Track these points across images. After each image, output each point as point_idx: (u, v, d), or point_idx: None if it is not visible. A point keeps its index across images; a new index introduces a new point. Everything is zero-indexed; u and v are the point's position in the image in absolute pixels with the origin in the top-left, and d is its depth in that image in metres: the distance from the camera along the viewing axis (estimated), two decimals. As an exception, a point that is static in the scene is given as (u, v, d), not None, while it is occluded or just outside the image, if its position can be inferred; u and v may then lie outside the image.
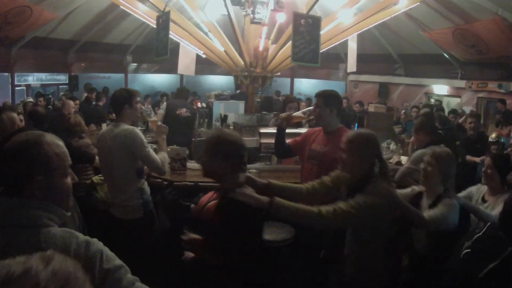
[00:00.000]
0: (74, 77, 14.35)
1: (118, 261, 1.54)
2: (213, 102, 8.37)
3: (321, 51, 5.68)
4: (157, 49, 6.07)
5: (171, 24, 6.01)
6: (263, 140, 5.12)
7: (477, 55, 11.30)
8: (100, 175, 4.33)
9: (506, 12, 8.95)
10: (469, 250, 2.54)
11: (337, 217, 2.40)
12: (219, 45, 6.91)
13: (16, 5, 9.33)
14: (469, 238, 2.65)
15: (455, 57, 12.42)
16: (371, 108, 11.18)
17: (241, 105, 6.45)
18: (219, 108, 6.19)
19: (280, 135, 4.02)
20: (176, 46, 7.49)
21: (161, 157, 3.71)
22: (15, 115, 4.61)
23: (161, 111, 7.06)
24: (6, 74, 12.78)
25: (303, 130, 4.62)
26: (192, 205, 2.84)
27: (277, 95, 13.91)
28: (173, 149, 4.70)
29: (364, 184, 2.57)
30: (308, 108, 4.16)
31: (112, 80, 15.82)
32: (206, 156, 2.51)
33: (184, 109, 6.94)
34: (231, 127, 5.14)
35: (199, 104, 9.17)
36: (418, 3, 6.72)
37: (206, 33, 7.04)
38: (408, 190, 3.36)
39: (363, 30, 7.10)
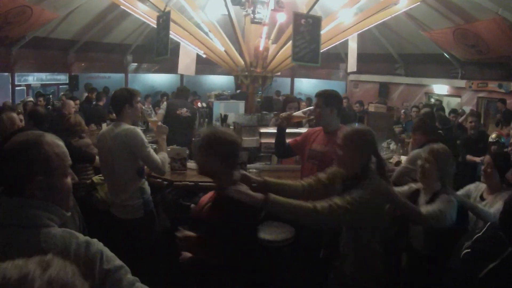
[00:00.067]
0: (74, 77, 14.37)
1: (118, 262, 1.54)
2: (213, 102, 8.37)
3: (321, 50, 5.68)
4: (158, 49, 6.07)
5: (172, 24, 6.01)
6: (263, 140, 5.12)
7: (477, 55, 11.30)
8: (100, 175, 4.33)
9: (506, 12, 8.95)
10: (469, 250, 2.53)
11: (333, 213, 2.39)
12: (220, 45, 6.91)
13: (17, 5, 9.33)
14: (469, 238, 2.64)
15: (456, 57, 12.42)
16: (371, 108, 11.19)
17: (241, 105, 6.45)
18: (219, 108, 6.19)
19: (280, 135, 4.02)
20: (177, 46, 7.48)
21: (161, 157, 3.72)
22: (15, 115, 4.61)
23: (162, 111, 7.06)
24: (6, 74, 12.79)
25: (303, 130, 4.62)
26: (192, 205, 2.84)
27: (277, 95, 13.91)
28: (173, 149, 4.70)
29: (360, 180, 2.56)
30: (308, 108, 4.16)
31: (112, 80, 15.83)
32: (201, 154, 2.53)
33: (185, 109, 6.94)
34: (231, 127, 5.14)
35: (199, 104, 9.18)
36: (419, 3, 6.72)
37: (206, 33, 7.04)
38: (405, 188, 3.35)
39: (364, 30, 7.09)
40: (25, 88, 13.79)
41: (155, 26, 6.25)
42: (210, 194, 2.70)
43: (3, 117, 4.53)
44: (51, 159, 1.54)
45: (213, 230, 2.40)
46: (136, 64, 16.30)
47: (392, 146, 6.37)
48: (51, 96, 12.63)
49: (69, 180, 1.63)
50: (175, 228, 2.67)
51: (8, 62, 12.21)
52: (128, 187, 3.67)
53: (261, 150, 5.13)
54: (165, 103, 7.66)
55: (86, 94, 11.61)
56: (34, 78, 14.20)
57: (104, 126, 6.44)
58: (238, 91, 9.97)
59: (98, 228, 3.78)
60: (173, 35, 6.47)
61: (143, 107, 9.60)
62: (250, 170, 4.58)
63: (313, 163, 3.68)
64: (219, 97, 7.69)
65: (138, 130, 3.70)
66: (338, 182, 2.76)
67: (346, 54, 8.80)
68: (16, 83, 13.18)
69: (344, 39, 7.31)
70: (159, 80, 17.54)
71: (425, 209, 2.92)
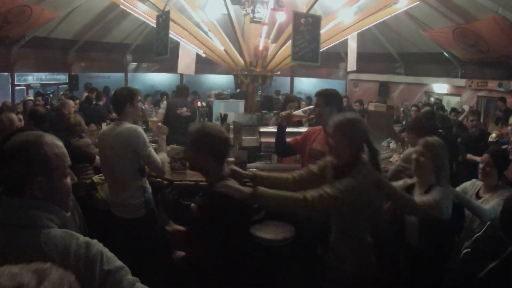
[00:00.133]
0: (74, 76, 14.37)
1: (118, 262, 1.54)
2: (213, 101, 8.36)
3: (321, 50, 5.68)
4: (157, 48, 6.07)
5: (171, 24, 6.01)
6: (263, 139, 5.12)
7: (477, 54, 11.30)
8: (100, 174, 4.33)
9: (506, 11, 8.95)
10: (469, 249, 2.53)
11: (323, 201, 2.39)
12: (219, 44, 6.91)
13: (16, 5, 9.33)
14: (469, 237, 2.64)
15: (456, 56, 12.42)
16: (371, 107, 11.19)
17: (241, 104, 6.44)
18: (219, 107, 6.18)
19: (280, 134, 4.02)
20: (176, 45, 7.48)
21: (161, 157, 3.72)
22: (13, 115, 4.60)
23: (162, 110, 7.06)
24: (6, 73, 12.79)
25: (303, 129, 4.62)
26: (192, 205, 2.84)
27: (276, 94, 13.91)
28: (173, 148, 4.70)
29: (351, 168, 2.54)
30: (308, 107, 4.16)
31: (112, 79, 15.83)
32: (190, 150, 2.56)
33: (185, 108, 6.95)
34: (231, 126, 5.14)
35: (198, 104, 9.18)
36: (418, 2, 6.71)
37: (206, 33, 7.04)
38: (400, 183, 3.33)
39: (363, 29, 7.10)
40: (24, 88, 13.78)
41: (155, 26, 6.25)
42: None
43: (2, 117, 4.52)
44: (51, 160, 1.53)
45: (203, 226, 2.42)
46: (136, 63, 16.30)
47: (392, 145, 6.37)
48: (51, 95, 12.64)
49: (68, 180, 1.63)
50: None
51: (8, 62, 12.20)
52: (130, 186, 3.67)
53: (261, 150, 5.13)
54: (165, 102, 7.67)
55: (86, 94, 11.61)
56: (34, 78, 14.19)
57: (104, 126, 6.44)
58: (238, 90, 9.96)
59: (99, 228, 3.79)
60: (172, 34, 6.47)
61: (144, 107, 9.64)
62: (250, 169, 4.57)
63: (314, 162, 3.67)
64: (219, 96, 7.68)
65: (140, 129, 3.71)
66: (329, 172, 2.74)
67: (346, 53, 8.80)
68: (16, 83, 13.18)
69: (344, 38, 7.32)
70: (158, 79, 17.54)
71: (419, 199, 2.91)
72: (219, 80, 16.70)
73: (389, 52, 14.07)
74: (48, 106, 10.30)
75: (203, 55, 7.29)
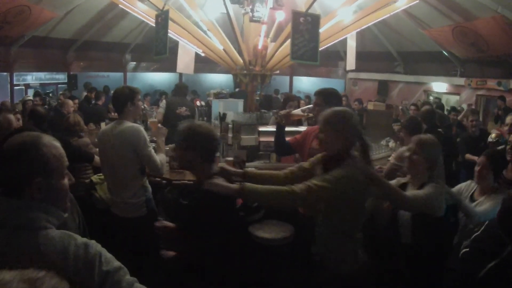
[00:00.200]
0: (73, 76, 14.36)
1: (116, 263, 1.55)
2: (212, 101, 8.36)
3: (320, 49, 5.68)
4: (157, 47, 6.08)
5: (170, 23, 6.01)
6: (262, 139, 5.12)
7: (477, 53, 11.30)
8: (99, 174, 4.32)
9: (506, 10, 8.94)
10: (467, 249, 2.52)
11: (311, 192, 2.38)
12: (218, 43, 6.91)
13: (16, 5, 9.32)
14: (467, 237, 2.63)
15: (455, 55, 12.42)
16: (370, 106, 11.16)
17: (240, 103, 6.45)
18: (218, 107, 6.18)
19: (280, 133, 4.02)
20: (175, 44, 7.48)
21: (160, 158, 3.72)
22: (11, 116, 4.59)
23: (161, 109, 7.06)
24: (5, 73, 12.77)
25: (302, 128, 4.62)
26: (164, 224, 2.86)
27: (276, 93, 13.90)
28: (172, 147, 4.69)
29: (340, 161, 2.53)
30: (307, 106, 4.16)
31: (111, 79, 15.82)
32: (178, 148, 2.59)
33: (184, 108, 6.94)
34: (230, 126, 5.13)
35: (198, 103, 9.17)
36: (418, 1, 6.72)
37: (205, 32, 7.04)
38: (393, 182, 3.32)
39: (363, 28, 7.10)
40: (24, 87, 13.76)
41: (154, 25, 6.25)
42: None
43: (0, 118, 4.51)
44: (49, 161, 1.54)
45: (192, 224, 2.45)
46: (135, 63, 16.31)
47: (391, 144, 6.37)
48: (50, 94, 12.62)
49: (66, 181, 1.63)
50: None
51: (7, 61, 12.20)
52: (131, 185, 3.67)
53: (260, 149, 5.13)
54: (164, 101, 7.65)
55: (85, 93, 11.59)
56: (33, 78, 14.16)
57: (103, 126, 6.43)
58: (237, 89, 9.97)
59: (99, 228, 3.78)
60: (172, 34, 6.47)
61: (146, 107, 9.63)
62: (249, 168, 4.57)
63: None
64: (218, 95, 7.67)
65: (142, 128, 3.71)
66: (319, 167, 2.72)
67: (345, 52, 8.81)
68: (15, 82, 13.16)
69: (343, 37, 7.31)
70: (158, 79, 17.52)
71: (410, 193, 2.90)
72: (218, 79, 16.70)
73: (389, 51, 14.08)
74: (46, 106, 10.28)
75: (202, 54, 7.29)
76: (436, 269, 2.89)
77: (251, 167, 4.65)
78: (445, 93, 13.79)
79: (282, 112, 4.11)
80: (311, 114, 3.98)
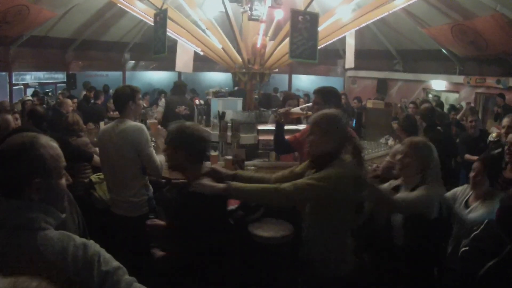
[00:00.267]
0: (72, 75, 14.34)
1: (115, 263, 1.55)
2: (211, 99, 8.35)
3: (319, 47, 5.67)
4: (155, 46, 6.07)
5: (169, 22, 6.00)
6: (261, 137, 5.12)
7: (475, 51, 11.30)
8: (99, 173, 4.32)
9: (505, 8, 8.95)
10: (467, 248, 2.52)
11: (298, 189, 2.41)
12: (217, 42, 6.89)
13: (14, 4, 9.31)
14: (466, 236, 2.63)
15: (454, 53, 12.42)
16: (369, 104, 11.14)
17: (239, 102, 6.43)
18: (217, 105, 6.17)
19: (279, 131, 4.02)
20: (174, 43, 7.47)
21: (160, 159, 3.72)
22: (9, 117, 4.59)
23: (160, 108, 7.05)
24: (4, 73, 12.77)
25: (302, 127, 4.62)
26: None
27: (275, 91, 13.89)
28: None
29: (328, 162, 2.54)
30: (306, 105, 4.16)
31: (110, 78, 15.79)
32: (168, 149, 2.62)
33: (183, 107, 6.93)
34: (229, 124, 5.13)
35: (196, 102, 9.16)
36: (416, -1, 6.71)
37: (204, 31, 7.02)
38: (385, 185, 3.30)
39: (362, 26, 7.08)
40: (22, 87, 13.75)
41: (153, 24, 6.24)
42: None
43: (-3, 119, 4.51)
44: (48, 161, 1.54)
45: (181, 225, 2.48)
46: (134, 62, 16.30)
47: (390, 142, 6.37)
48: (49, 93, 12.61)
49: (63, 181, 1.63)
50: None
51: (6, 61, 12.19)
52: (131, 185, 3.68)
53: (259, 147, 5.13)
54: (163, 100, 7.65)
55: (84, 93, 11.58)
56: (31, 77, 14.16)
57: (102, 125, 6.43)
58: (236, 88, 9.97)
59: (98, 227, 3.78)
60: (170, 32, 6.46)
61: (143, 106, 9.61)
62: (248, 167, 4.58)
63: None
64: (217, 94, 7.67)
65: (145, 127, 3.72)
66: (311, 172, 2.71)
67: (344, 51, 8.80)
68: (13, 82, 13.15)
69: (342, 36, 7.30)
70: (157, 77, 17.50)
71: (399, 196, 2.89)
72: (217, 78, 16.69)
73: (387, 49, 14.08)
74: (44, 106, 10.28)
75: (201, 53, 7.27)
76: (427, 271, 2.88)
77: (250, 165, 4.66)
78: (444, 91, 13.80)
79: (281, 110, 4.11)
80: (310, 113, 3.97)
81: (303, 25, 5.38)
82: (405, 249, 2.98)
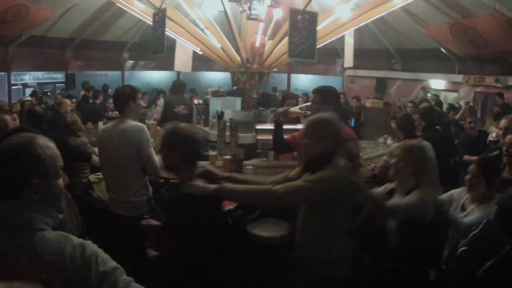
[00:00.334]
0: (71, 75, 14.34)
1: (113, 263, 1.55)
2: (210, 99, 8.34)
3: (318, 46, 5.67)
4: (154, 46, 6.06)
5: (168, 21, 5.99)
6: (260, 137, 5.12)
7: (475, 50, 11.30)
8: (97, 173, 4.31)
9: (504, 7, 8.95)
10: (465, 247, 2.52)
11: (289, 191, 2.42)
12: (216, 41, 6.89)
13: (13, 4, 9.30)
14: (465, 235, 2.63)
15: (453, 52, 12.42)
16: (368, 104, 11.15)
17: (238, 101, 6.43)
18: (216, 105, 6.17)
19: (278, 131, 4.02)
20: (173, 43, 7.46)
21: (159, 160, 3.72)
22: (7, 117, 4.58)
23: (159, 108, 7.03)
24: (3, 73, 12.76)
25: (301, 126, 4.62)
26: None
27: (273, 91, 13.89)
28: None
29: (322, 165, 2.54)
30: (305, 104, 4.16)
31: (109, 77, 15.79)
32: (163, 150, 2.62)
33: (182, 106, 6.91)
34: (227, 124, 5.13)
35: (195, 101, 9.15)
36: (415, -2, 6.71)
37: (202, 30, 7.02)
38: (380, 189, 3.27)
39: (361, 25, 7.08)
40: (21, 87, 13.75)
41: (152, 24, 6.23)
42: None
43: (-4, 120, 4.49)
44: (45, 162, 1.54)
45: (178, 225, 2.49)
46: (132, 61, 16.28)
47: (389, 141, 6.36)
48: (48, 93, 12.60)
49: (61, 181, 1.64)
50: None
51: (4, 61, 12.18)
52: (131, 185, 3.68)
53: (258, 147, 5.12)
54: (162, 99, 7.64)
55: (83, 93, 11.58)
56: (30, 77, 14.15)
57: (101, 125, 6.42)
58: (234, 87, 9.97)
59: (97, 227, 3.77)
60: (169, 32, 6.46)
61: (144, 106, 9.60)
62: (247, 166, 4.57)
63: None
64: (216, 93, 7.67)
65: (145, 127, 3.72)
66: (305, 175, 2.70)
67: (343, 50, 8.80)
68: (12, 82, 13.16)
69: (341, 35, 7.30)
70: (155, 77, 17.51)
71: (392, 201, 2.88)
72: (216, 78, 16.69)
73: (386, 48, 14.08)
74: (43, 105, 10.27)
75: (200, 53, 7.27)
76: (426, 271, 2.88)
77: (249, 165, 4.66)
78: (443, 90, 13.80)
79: (280, 110, 4.11)
80: (309, 112, 3.97)
81: (302, 24, 5.38)
82: (401, 251, 2.96)
